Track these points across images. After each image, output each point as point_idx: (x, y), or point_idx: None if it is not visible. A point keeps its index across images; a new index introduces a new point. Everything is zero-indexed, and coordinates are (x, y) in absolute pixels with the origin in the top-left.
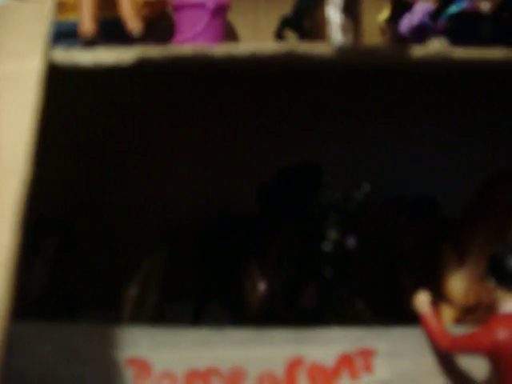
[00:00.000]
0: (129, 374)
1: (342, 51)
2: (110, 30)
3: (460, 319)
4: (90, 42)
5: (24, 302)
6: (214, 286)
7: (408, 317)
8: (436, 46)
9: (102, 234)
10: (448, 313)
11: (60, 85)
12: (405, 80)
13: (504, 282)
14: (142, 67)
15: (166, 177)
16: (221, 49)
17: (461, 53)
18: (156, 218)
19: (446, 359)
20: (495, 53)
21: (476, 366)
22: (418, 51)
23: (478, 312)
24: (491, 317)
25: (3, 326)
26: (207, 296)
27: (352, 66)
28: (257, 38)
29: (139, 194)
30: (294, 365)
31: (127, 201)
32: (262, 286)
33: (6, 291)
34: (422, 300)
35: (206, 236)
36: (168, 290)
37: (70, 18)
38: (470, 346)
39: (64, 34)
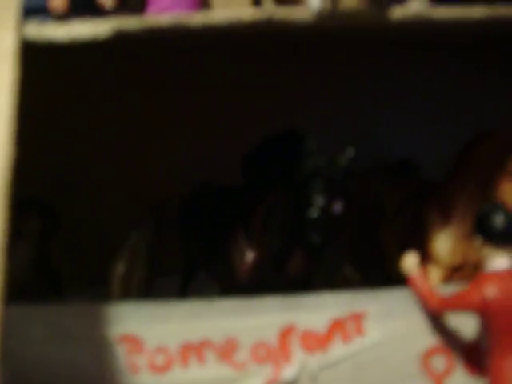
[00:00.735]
0: (121, 350)
1: (321, 16)
2: (83, 4)
3: (447, 278)
4: (62, 17)
5: (11, 286)
6: (201, 257)
7: (394, 278)
8: (415, 6)
9: (86, 213)
10: (435, 273)
11: (34, 62)
12: (385, 44)
13: (491, 240)
14: (119, 40)
15: (148, 151)
16: (198, 18)
17: (441, 13)
18: (140, 193)
19: (436, 319)
20: (476, 11)
21: (466, 324)
22: (397, 13)
23: (464, 270)
24: (479, 274)
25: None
26: (194, 268)
27: (331, 31)
28: (230, 5)
29: (122, 170)
30: (286, 332)
31: (110, 177)
32: (249, 255)
33: None
34: (410, 262)
35: (190, 208)
36: (155, 265)
37: None
38: (460, 305)
39: (35, 10)
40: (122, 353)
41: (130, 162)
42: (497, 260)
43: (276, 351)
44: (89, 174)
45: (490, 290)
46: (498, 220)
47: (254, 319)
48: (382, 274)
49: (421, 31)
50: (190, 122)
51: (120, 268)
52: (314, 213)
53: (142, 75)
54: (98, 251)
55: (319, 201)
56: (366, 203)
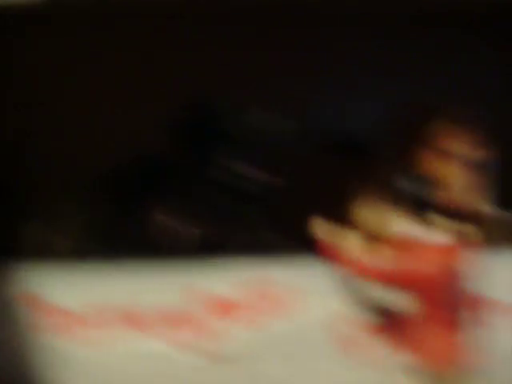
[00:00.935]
0: (23, 310)
1: None
2: None
3: (369, 245)
4: None
5: None
6: (131, 226)
7: (314, 247)
8: None
9: (24, 182)
10: (356, 240)
11: None
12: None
13: (400, 203)
14: (53, 7)
15: (84, 124)
16: None
17: None
18: (77, 166)
19: (353, 284)
20: None
21: (389, 294)
22: None
23: (384, 238)
24: (389, 238)
25: None
26: (123, 235)
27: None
28: None
29: (60, 143)
30: (193, 295)
31: (49, 149)
32: (164, 219)
33: None
34: (325, 228)
35: (123, 179)
36: (87, 233)
37: None
38: (374, 267)
39: None
40: (23, 312)
41: (66, 134)
42: (401, 223)
43: (180, 313)
44: (28, 146)
45: (413, 260)
46: (410, 186)
47: (159, 280)
48: (303, 241)
49: None
50: (118, 95)
51: (53, 237)
52: (237, 180)
53: (79, 45)
54: (33, 221)
55: (245, 170)
56: (301, 175)
